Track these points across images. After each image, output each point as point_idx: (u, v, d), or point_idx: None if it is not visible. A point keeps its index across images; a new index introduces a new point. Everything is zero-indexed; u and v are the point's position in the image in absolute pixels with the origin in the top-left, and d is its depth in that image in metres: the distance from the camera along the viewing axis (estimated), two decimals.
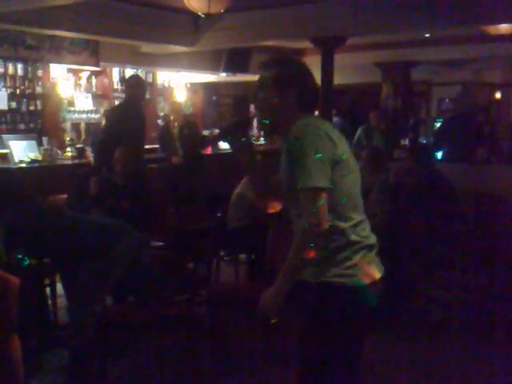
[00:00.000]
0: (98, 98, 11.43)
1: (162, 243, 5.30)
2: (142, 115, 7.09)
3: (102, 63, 10.38)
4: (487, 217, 5.90)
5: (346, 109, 12.57)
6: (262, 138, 12.31)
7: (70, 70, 10.68)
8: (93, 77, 11.40)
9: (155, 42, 9.60)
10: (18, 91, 9.85)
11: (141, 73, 11.62)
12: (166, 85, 13.05)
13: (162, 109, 12.78)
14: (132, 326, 4.10)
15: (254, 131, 12.54)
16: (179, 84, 13.18)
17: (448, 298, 4.66)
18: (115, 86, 11.84)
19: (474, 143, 7.64)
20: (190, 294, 4.34)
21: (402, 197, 5.75)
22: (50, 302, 4.98)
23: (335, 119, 10.30)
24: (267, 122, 2.63)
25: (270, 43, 10.00)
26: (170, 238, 5.33)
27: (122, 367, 4.32)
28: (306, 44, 9.78)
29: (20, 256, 3.97)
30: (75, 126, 10.98)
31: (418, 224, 5.33)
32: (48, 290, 5.03)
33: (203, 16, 6.89)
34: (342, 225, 2.46)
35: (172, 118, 10.88)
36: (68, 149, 9.30)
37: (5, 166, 7.87)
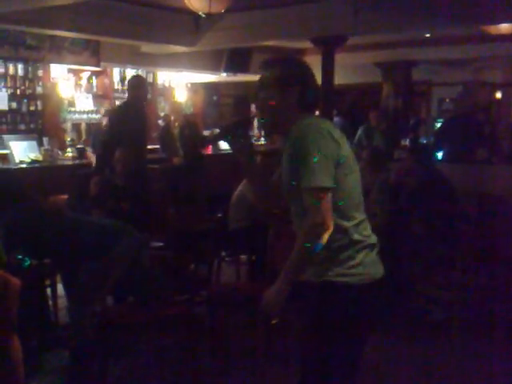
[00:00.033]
0: (98, 98, 11.44)
1: (162, 244, 5.31)
2: (144, 116, 7.09)
3: (102, 63, 10.40)
4: (487, 217, 5.89)
5: (346, 109, 12.57)
6: (262, 138, 12.32)
7: (70, 70, 10.69)
8: (93, 77, 11.41)
9: (156, 42, 9.61)
10: (18, 91, 9.86)
11: (141, 73, 11.63)
12: (167, 85, 13.06)
13: (163, 109, 12.79)
14: (132, 327, 4.11)
15: (255, 131, 12.56)
16: (180, 84, 13.18)
17: (448, 297, 4.66)
18: (116, 87, 11.85)
19: (474, 143, 7.63)
20: (191, 294, 4.34)
21: (402, 197, 5.75)
22: (50, 302, 4.98)
23: (335, 119, 10.30)
24: (268, 121, 2.63)
25: (270, 43, 10.00)
26: (171, 239, 5.33)
27: (123, 367, 4.32)
28: (307, 44, 9.79)
29: (20, 257, 3.98)
30: (76, 127, 11.00)
31: (419, 224, 5.33)
32: (49, 290, 5.03)
33: (204, 16, 6.89)
34: (345, 224, 2.46)
35: (172, 118, 10.92)
36: (68, 149, 9.31)
37: (5, 166, 7.88)
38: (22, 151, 8.22)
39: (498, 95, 13.38)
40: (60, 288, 4.90)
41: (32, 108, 10.05)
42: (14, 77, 9.81)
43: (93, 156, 8.77)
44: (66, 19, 8.16)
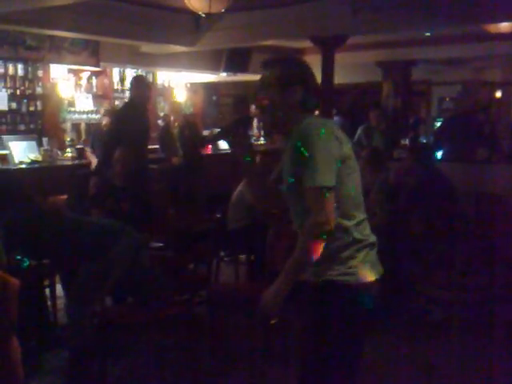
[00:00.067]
0: (98, 98, 11.43)
1: (162, 244, 5.31)
2: (146, 116, 7.09)
3: (102, 63, 10.39)
4: (487, 216, 5.89)
5: (345, 108, 12.57)
6: (261, 138, 12.32)
7: (70, 71, 10.68)
8: (93, 77, 11.40)
9: (155, 41, 9.60)
10: (18, 92, 9.85)
11: (141, 73, 11.62)
12: (166, 85, 13.05)
13: (162, 109, 12.78)
14: (132, 327, 4.11)
15: (254, 131, 12.56)
16: (179, 84, 13.18)
17: (448, 297, 4.65)
18: (115, 87, 11.84)
19: (474, 142, 7.63)
20: (190, 294, 4.33)
21: (401, 196, 5.74)
22: (49, 302, 4.98)
23: (335, 118, 10.30)
24: (268, 121, 2.63)
25: (270, 43, 9.99)
26: (170, 239, 5.33)
27: (122, 367, 4.32)
28: (306, 43, 9.78)
29: (19, 257, 3.98)
30: (75, 127, 10.98)
31: (418, 224, 5.32)
32: (47, 290, 5.03)
33: (203, 16, 6.89)
34: (346, 223, 2.47)
35: (172, 118, 10.90)
36: (68, 149, 9.31)
37: (5, 166, 7.88)
38: (22, 151, 8.23)
39: (498, 94, 13.38)
40: (59, 288, 4.90)
41: (32, 108, 10.03)
42: (14, 77, 9.80)
43: (92, 156, 8.78)
44: (66, 19, 8.15)
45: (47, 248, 4.05)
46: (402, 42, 10.80)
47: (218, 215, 6.06)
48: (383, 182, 5.64)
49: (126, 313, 4.16)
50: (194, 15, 7.66)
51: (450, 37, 10.29)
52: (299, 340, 2.64)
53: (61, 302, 4.91)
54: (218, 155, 10.29)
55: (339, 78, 9.65)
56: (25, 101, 9.94)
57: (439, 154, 7.57)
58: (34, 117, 10.07)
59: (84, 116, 11.05)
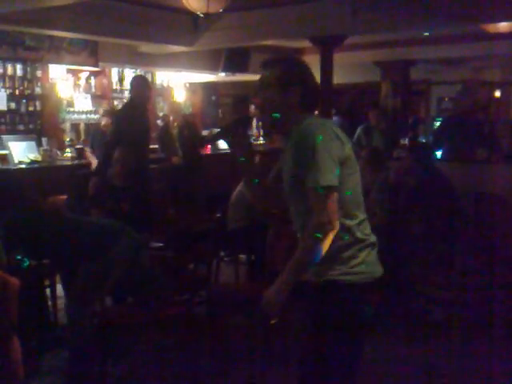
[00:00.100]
0: (97, 98, 11.43)
1: (161, 244, 5.30)
2: (146, 116, 7.09)
3: (101, 63, 10.38)
4: (487, 216, 5.89)
5: (345, 108, 12.56)
6: (261, 138, 12.32)
7: (69, 71, 10.67)
8: (92, 77, 11.40)
9: (154, 41, 9.60)
10: (17, 92, 9.84)
11: (140, 73, 11.61)
12: (165, 85, 13.05)
13: (162, 109, 12.78)
14: (132, 327, 4.10)
15: (253, 130, 12.56)
16: (178, 84, 13.17)
17: (448, 298, 4.65)
18: (114, 87, 11.84)
19: (473, 142, 7.62)
20: (190, 294, 4.33)
21: (401, 196, 5.74)
22: (49, 302, 4.98)
23: (334, 118, 10.29)
24: (268, 121, 2.63)
25: (269, 43, 9.99)
26: (170, 239, 5.33)
27: (122, 368, 4.32)
28: (305, 43, 9.78)
29: (19, 257, 3.97)
30: (74, 127, 10.98)
31: (418, 223, 5.33)
32: (48, 290, 5.03)
33: (202, 16, 6.89)
34: (348, 223, 2.47)
35: (171, 118, 10.90)
36: (67, 149, 9.32)
37: (4, 166, 7.88)
38: (21, 151, 8.23)
39: (497, 94, 13.39)
40: (59, 288, 4.90)
41: (31, 108, 10.02)
42: (13, 77, 9.79)
43: (92, 156, 8.78)
44: (65, 19, 8.15)
45: (47, 248, 4.05)
46: (401, 42, 10.81)
47: (218, 215, 6.06)
48: (383, 182, 5.64)
49: (126, 313, 4.16)
50: (192, 15, 7.66)
51: (449, 36, 10.30)
52: (299, 340, 2.64)
53: (61, 302, 4.91)
54: (218, 155, 10.29)
55: (338, 78, 9.65)
56: (24, 101, 9.93)
57: (439, 154, 7.56)
58: (33, 117, 10.06)
59: (83, 116, 11.04)
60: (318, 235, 2.37)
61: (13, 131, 9.51)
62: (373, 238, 2.57)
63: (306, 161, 2.38)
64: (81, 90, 11.15)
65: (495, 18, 7.86)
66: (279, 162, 2.75)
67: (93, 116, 11.13)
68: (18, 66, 9.81)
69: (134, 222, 4.41)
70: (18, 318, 3.27)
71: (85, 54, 10.01)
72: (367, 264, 2.50)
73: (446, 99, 13.97)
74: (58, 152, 9.08)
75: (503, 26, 8.25)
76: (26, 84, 9.92)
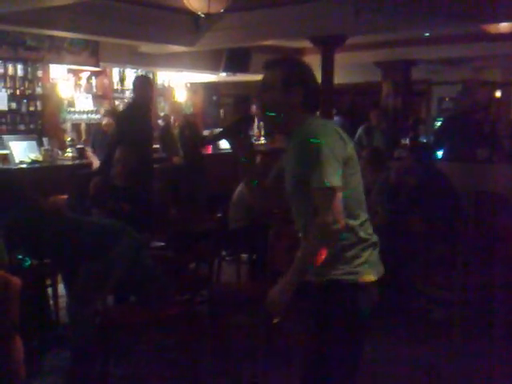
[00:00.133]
0: (98, 98, 11.43)
1: (163, 243, 5.31)
2: (149, 117, 7.08)
3: (101, 63, 10.39)
4: (488, 216, 5.89)
5: (345, 108, 12.58)
6: (262, 138, 12.32)
7: (69, 71, 10.68)
8: (93, 77, 11.40)
9: (155, 42, 9.60)
10: (17, 92, 9.84)
11: (141, 73, 11.62)
12: (166, 85, 13.05)
13: (163, 109, 12.78)
14: (133, 327, 4.10)
15: (255, 130, 12.56)
16: (179, 84, 13.17)
17: (448, 297, 4.66)
18: (115, 87, 11.84)
19: (474, 142, 7.63)
20: (191, 294, 4.34)
21: (402, 196, 5.75)
22: (51, 302, 4.98)
23: (335, 118, 10.30)
24: (270, 121, 2.63)
25: (269, 43, 10.00)
26: (171, 239, 5.33)
27: (124, 367, 4.32)
28: (306, 43, 9.78)
29: (21, 256, 3.98)
30: (75, 127, 10.99)
31: (419, 223, 5.33)
32: (49, 290, 5.03)
33: (203, 16, 6.89)
34: (352, 222, 2.48)
35: (172, 118, 10.91)
36: (68, 149, 9.31)
37: (5, 166, 7.88)
38: (22, 151, 8.23)
39: (498, 94, 13.39)
40: (61, 288, 4.90)
41: (32, 108, 10.03)
42: (14, 77, 9.79)
43: (93, 156, 8.78)
44: (66, 19, 8.15)
45: (48, 248, 4.05)
46: (402, 42, 10.80)
47: (219, 215, 6.07)
48: (384, 182, 5.64)
49: (128, 313, 4.17)
50: (193, 15, 7.66)
51: (449, 37, 10.29)
52: (301, 339, 2.65)
53: (63, 301, 4.90)
54: (219, 155, 10.29)
55: (339, 78, 9.65)
56: (24, 101, 9.94)
57: (439, 154, 7.57)
58: (34, 117, 10.07)
59: (84, 116, 11.05)
60: (324, 235, 2.38)
61: (14, 131, 9.52)
62: (375, 238, 2.58)
63: (311, 161, 2.39)
64: (82, 89, 11.16)
65: (496, 18, 7.86)
66: (280, 161, 2.76)
67: (94, 116, 11.14)
68: (19, 66, 9.82)
69: (135, 222, 4.41)
70: (19, 317, 3.28)
71: (86, 54, 10.02)
72: (370, 264, 2.51)
73: (447, 99, 13.98)
74: (59, 152, 9.07)
75: (504, 27, 8.24)
76: (26, 84, 9.93)
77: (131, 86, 8.90)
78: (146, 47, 10.32)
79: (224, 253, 5.69)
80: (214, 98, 14.98)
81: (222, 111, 15.11)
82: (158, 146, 9.66)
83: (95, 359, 4.05)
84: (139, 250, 4.15)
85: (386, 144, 8.82)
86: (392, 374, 4.23)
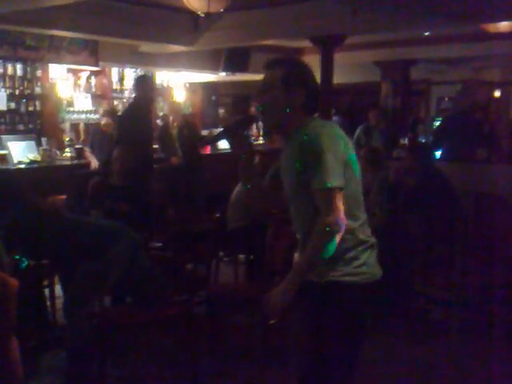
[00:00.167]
0: (97, 98, 11.41)
1: (161, 244, 5.30)
2: (150, 117, 7.08)
3: (101, 63, 10.37)
4: (487, 216, 5.88)
5: (345, 108, 12.57)
6: (261, 138, 12.32)
7: (69, 70, 10.66)
8: (92, 77, 11.38)
9: (154, 41, 9.59)
10: (17, 92, 9.82)
11: (140, 73, 11.60)
12: (165, 85, 13.03)
13: (161, 109, 12.76)
14: (131, 327, 4.10)
15: (253, 130, 12.55)
16: (178, 84, 13.16)
17: (448, 297, 4.65)
18: (114, 86, 11.82)
19: (473, 142, 7.62)
20: (189, 294, 4.33)
21: (401, 196, 5.74)
22: (48, 303, 4.97)
23: (334, 118, 10.29)
24: (270, 121, 2.62)
25: (269, 42, 9.99)
26: (170, 239, 5.32)
27: (122, 368, 4.31)
28: (305, 43, 9.77)
29: (18, 257, 3.97)
30: (74, 127, 10.97)
31: (418, 223, 5.32)
32: (47, 291, 5.02)
33: (202, 15, 6.88)
34: (352, 224, 2.48)
35: (171, 118, 10.90)
36: (67, 149, 9.31)
37: (4, 166, 7.87)
38: (21, 151, 8.23)
39: (497, 94, 13.39)
40: (58, 288, 4.89)
41: (31, 108, 10.00)
42: (13, 77, 9.77)
43: (91, 156, 8.78)
44: (65, 19, 8.14)
45: (46, 248, 4.04)
46: (401, 42, 10.80)
47: (218, 215, 6.06)
48: (383, 182, 5.63)
49: (126, 313, 4.16)
50: (192, 15, 7.65)
51: (449, 36, 10.28)
52: (299, 340, 2.64)
53: (60, 302, 4.89)
54: (217, 155, 10.28)
55: (338, 78, 9.63)
56: (24, 101, 9.91)
57: (438, 154, 7.56)
58: (33, 117, 10.05)
59: (83, 116, 11.02)
60: (326, 235, 2.37)
61: (12, 131, 9.49)
62: (373, 240, 2.58)
63: (313, 162, 2.39)
64: (81, 89, 11.14)
65: (495, 17, 7.86)
66: (278, 161, 2.75)
67: (92, 116, 11.11)
68: (18, 66, 9.79)
69: (133, 222, 4.40)
70: (16, 318, 3.27)
71: (85, 53, 10.00)
72: (368, 265, 2.51)
73: (446, 99, 13.98)
74: (58, 152, 9.07)
75: (503, 26, 8.24)
76: (25, 84, 9.90)
77: (130, 86, 8.90)
78: (145, 47, 10.31)
79: (222, 253, 5.69)
80: (213, 97, 14.97)
81: (220, 111, 15.09)
82: (156, 146, 9.65)
83: (92, 360, 4.04)
84: (137, 250, 4.15)
85: (385, 144, 8.80)
86: (391, 373, 4.22)
